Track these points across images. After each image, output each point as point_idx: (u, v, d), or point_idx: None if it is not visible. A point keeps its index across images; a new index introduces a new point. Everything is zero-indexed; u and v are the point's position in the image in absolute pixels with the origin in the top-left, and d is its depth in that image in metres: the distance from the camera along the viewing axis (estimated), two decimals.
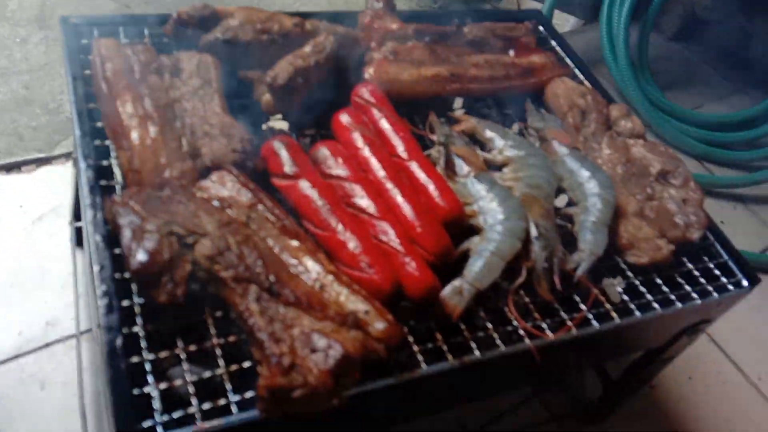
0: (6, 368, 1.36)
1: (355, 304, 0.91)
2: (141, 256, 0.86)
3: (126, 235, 0.88)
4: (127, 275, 0.90)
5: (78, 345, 1.36)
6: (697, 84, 2.75)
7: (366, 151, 1.12)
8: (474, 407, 1.55)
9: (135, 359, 0.83)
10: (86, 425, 1.23)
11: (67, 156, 1.83)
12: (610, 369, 1.53)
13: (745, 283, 1.20)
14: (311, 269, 0.94)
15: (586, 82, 1.47)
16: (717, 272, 1.21)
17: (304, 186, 1.04)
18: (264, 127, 1.27)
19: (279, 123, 1.31)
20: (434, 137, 1.24)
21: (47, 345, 1.40)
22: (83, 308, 1.44)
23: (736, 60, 2.73)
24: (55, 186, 1.72)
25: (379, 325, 0.89)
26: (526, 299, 1.06)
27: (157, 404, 0.80)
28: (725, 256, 1.24)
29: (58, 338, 1.41)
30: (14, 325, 1.43)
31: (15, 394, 1.32)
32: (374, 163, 1.11)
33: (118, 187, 1.00)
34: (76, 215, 1.53)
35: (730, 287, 1.19)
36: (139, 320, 0.87)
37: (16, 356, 1.38)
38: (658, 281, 1.15)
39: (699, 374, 1.79)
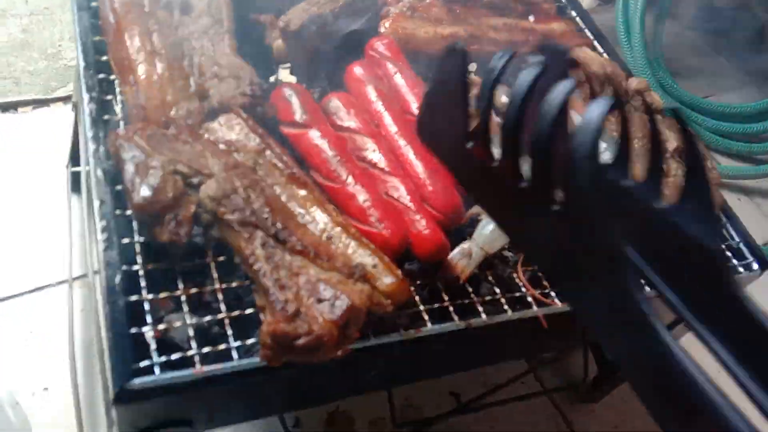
0: None
1: (363, 257, 0.88)
2: (144, 192, 0.82)
3: (129, 170, 0.84)
4: (127, 212, 0.86)
5: (70, 290, 1.32)
6: (710, 73, 2.71)
7: (379, 106, 1.08)
8: (468, 381, 1.53)
9: (134, 298, 0.80)
10: (75, 369, 1.20)
11: (65, 100, 1.78)
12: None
13: (755, 266, 1.18)
14: (319, 220, 0.91)
15: (605, 55, 1.43)
16: (728, 254, 1.19)
17: (315, 135, 1.00)
18: (272, 78, 1.23)
19: (287, 77, 1.27)
20: None
21: (38, 289, 1.36)
22: (77, 254, 1.40)
23: (751, 51, 2.69)
24: (53, 129, 1.67)
25: (387, 280, 0.86)
26: (535, 266, 1.03)
27: (154, 345, 0.77)
28: (737, 239, 1.22)
29: (50, 283, 1.38)
30: (5, 267, 1.39)
31: (3, 337, 1.29)
32: (387, 118, 1.07)
33: (121, 123, 0.96)
34: (74, 160, 1.48)
35: (741, 269, 1.17)
36: (139, 259, 0.83)
37: (6, 298, 1.34)
38: None
39: (698, 361, 1.78)
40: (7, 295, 1.35)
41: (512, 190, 0.47)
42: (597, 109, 0.40)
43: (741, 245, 1.21)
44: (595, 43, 1.46)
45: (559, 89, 0.42)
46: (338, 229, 0.90)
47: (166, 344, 0.86)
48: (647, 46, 2.44)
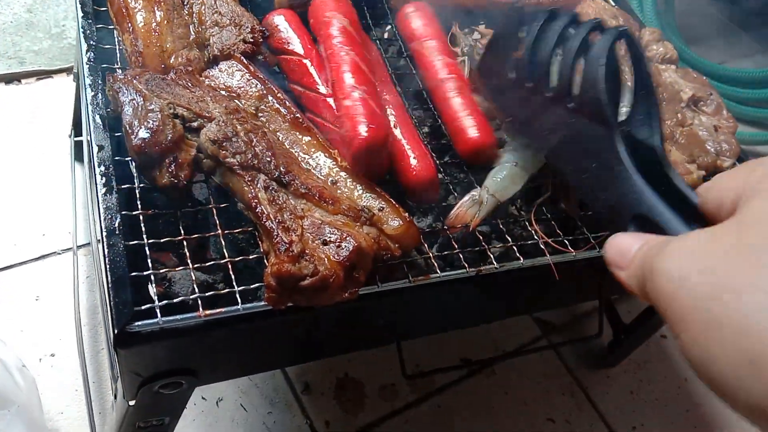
0: (0, 278, 1.31)
1: (369, 200, 0.85)
2: (143, 134, 0.80)
3: (128, 112, 0.82)
4: (128, 159, 0.84)
5: (75, 258, 1.31)
6: (722, 41, 2.65)
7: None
8: (479, 347, 1.51)
9: (134, 242, 0.78)
10: (81, 336, 1.19)
11: (67, 71, 1.76)
12: (622, 314, 1.49)
13: None
14: (323, 164, 0.89)
15: (616, 7, 1.39)
16: None
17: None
18: None
19: None
20: (456, 49, 1.17)
21: (43, 257, 1.35)
22: (81, 222, 1.38)
23: (764, 19, 2.63)
24: (55, 99, 1.65)
25: (394, 223, 0.83)
26: (548, 215, 1.01)
27: (155, 289, 0.75)
28: None
29: (55, 251, 1.36)
30: (10, 235, 1.38)
31: (9, 304, 1.28)
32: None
33: (119, 72, 0.94)
34: (76, 129, 1.47)
35: None
36: (139, 204, 0.81)
37: (11, 266, 1.33)
38: None
39: None
40: (14, 263, 1.34)
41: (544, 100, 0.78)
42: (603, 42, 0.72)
43: None
44: None
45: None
46: (343, 173, 0.88)
47: (168, 294, 0.84)
48: (660, 13, 2.39)
